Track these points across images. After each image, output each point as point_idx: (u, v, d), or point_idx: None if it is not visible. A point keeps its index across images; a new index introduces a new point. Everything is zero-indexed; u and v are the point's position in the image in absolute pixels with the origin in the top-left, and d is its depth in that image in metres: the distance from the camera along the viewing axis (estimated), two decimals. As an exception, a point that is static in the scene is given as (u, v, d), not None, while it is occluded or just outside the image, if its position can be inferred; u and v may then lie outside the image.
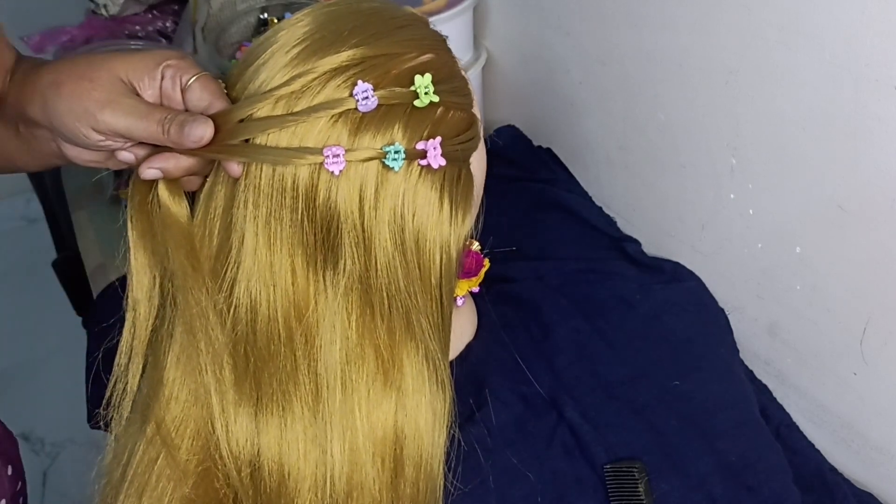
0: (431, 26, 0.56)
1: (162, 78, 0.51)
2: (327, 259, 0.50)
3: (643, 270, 0.83)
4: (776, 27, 0.62)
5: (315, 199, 0.49)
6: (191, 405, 0.51)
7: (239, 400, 0.51)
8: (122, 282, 0.53)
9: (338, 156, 0.48)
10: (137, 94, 0.50)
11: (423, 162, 0.50)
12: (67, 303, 1.52)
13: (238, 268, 0.50)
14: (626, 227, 0.90)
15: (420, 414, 0.52)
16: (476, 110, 0.56)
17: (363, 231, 0.50)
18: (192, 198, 0.53)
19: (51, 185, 1.36)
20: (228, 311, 0.51)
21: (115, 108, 0.48)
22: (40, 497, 1.50)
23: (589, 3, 0.83)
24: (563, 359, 0.71)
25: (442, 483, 0.55)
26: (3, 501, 0.65)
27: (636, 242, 0.88)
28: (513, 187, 0.93)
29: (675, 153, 0.79)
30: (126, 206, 0.52)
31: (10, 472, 0.68)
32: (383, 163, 0.49)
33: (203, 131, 0.48)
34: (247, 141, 0.49)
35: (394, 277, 0.51)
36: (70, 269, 1.38)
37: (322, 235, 0.50)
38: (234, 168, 0.50)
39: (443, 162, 0.51)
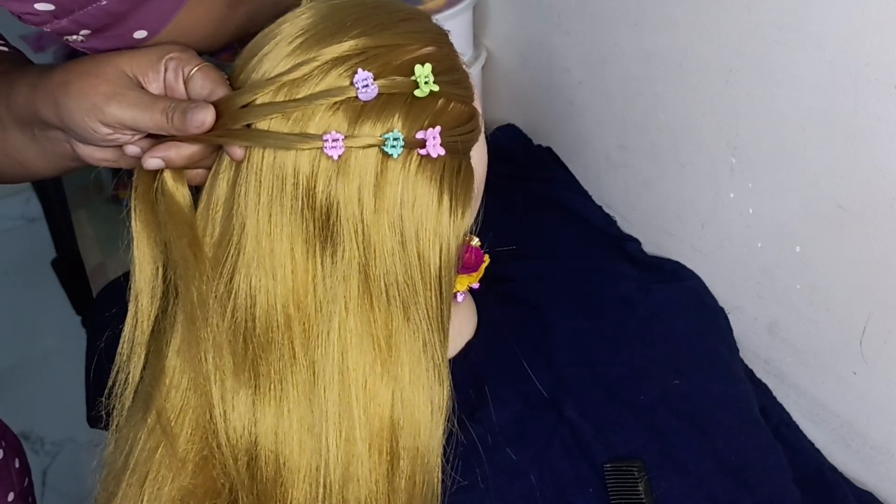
0: (434, 21, 0.57)
1: (165, 70, 0.52)
2: (326, 247, 0.51)
3: (643, 270, 0.83)
4: (776, 27, 0.63)
5: (315, 187, 0.50)
6: (191, 394, 0.52)
7: (237, 388, 0.51)
8: (124, 278, 0.54)
9: (337, 140, 0.49)
10: (142, 88, 0.51)
11: (423, 151, 0.51)
12: (67, 302, 1.52)
13: (239, 255, 0.51)
14: (626, 226, 0.90)
15: (417, 406, 0.52)
16: (477, 104, 0.57)
17: (362, 220, 0.50)
18: (195, 192, 0.54)
19: (50, 185, 1.36)
20: (228, 299, 0.51)
21: (121, 100, 0.50)
22: (40, 496, 1.49)
23: (589, 2, 0.83)
24: (563, 358, 0.71)
25: (439, 477, 0.55)
26: (12, 495, 0.66)
27: (636, 242, 0.88)
28: (512, 186, 0.94)
29: (674, 152, 0.79)
30: (126, 205, 0.53)
31: (17, 464, 0.69)
32: (383, 150, 0.50)
33: (204, 116, 0.49)
34: (249, 126, 0.50)
35: (392, 267, 0.51)
36: (69, 269, 1.38)
37: (321, 223, 0.50)
38: (237, 151, 0.50)
39: (442, 151, 0.51)
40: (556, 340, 0.72)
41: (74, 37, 0.49)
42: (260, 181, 0.50)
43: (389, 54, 0.51)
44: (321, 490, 0.51)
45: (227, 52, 0.96)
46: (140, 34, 0.50)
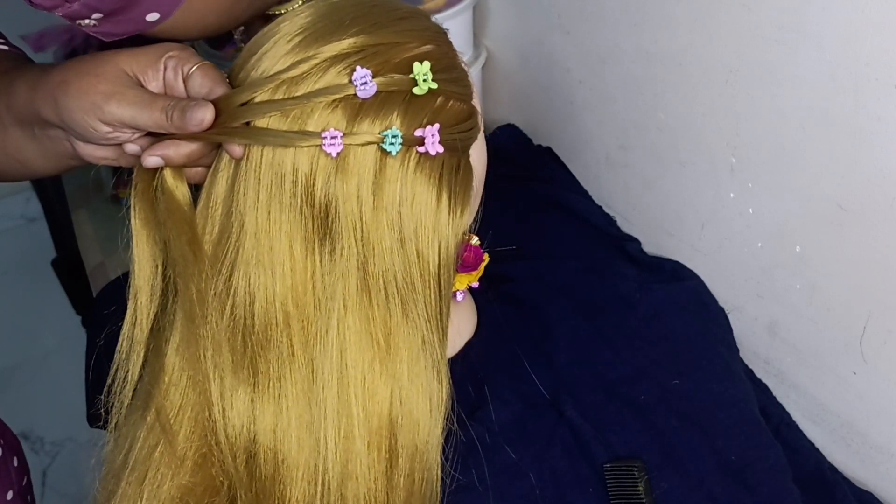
0: (432, 20, 0.57)
1: (164, 69, 0.52)
2: (325, 244, 0.51)
3: (643, 269, 0.83)
4: (776, 26, 0.63)
5: (314, 185, 0.50)
6: (190, 391, 0.52)
7: (236, 385, 0.51)
8: (124, 278, 0.54)
9: (335, 138, 0.49)
10: (142, 86, 0.52)
11: (422, 149, 0.51)
12: (67, 302, 1.52)
13: (238, 253, 0.51)
14: (626, 226, 0.90)
15: (416, 403, 0.53)
16: (476, 102, 0.57)
17: (361, 217, 0.50)
18: (194, 190, 0.54)
19: (50, 184, 1.36)
20: (227, 297, 0.51)
21: (121, 98, 0.50)
22: (40, 496, 1.49)
23: (589, 2, 0.83)
24: (564, 358, 0.71)
25: (439, 475, 0.55)
26: (11, 493, 0.66)
27: (636, 242, 0.88)
28: (512, 186, 0.93)
29: (674, 152, 0.79)
30: (126, 204, 0.53)
31: (16, 463, 0.69)
32: (381, 148, 0.50)
33: (204, 114, 0.49)
34: (248, 124, 0.50)
35: (391, 265, 0.51)
36: (69, 269, 1.38)
37: (320, 220, 0.51)
38: (236, 149, 0.51)
39: (440, 149, 0.51)
40: (556, 340, 0.72)
41: (87, 21, 0.49)
42: (259, 179, 0.50)
43: (388, 52, 0.51)
44: (320, 487, 0.51)
45: (228, 47, 0.96)
46: (153, 16, 0.51)
